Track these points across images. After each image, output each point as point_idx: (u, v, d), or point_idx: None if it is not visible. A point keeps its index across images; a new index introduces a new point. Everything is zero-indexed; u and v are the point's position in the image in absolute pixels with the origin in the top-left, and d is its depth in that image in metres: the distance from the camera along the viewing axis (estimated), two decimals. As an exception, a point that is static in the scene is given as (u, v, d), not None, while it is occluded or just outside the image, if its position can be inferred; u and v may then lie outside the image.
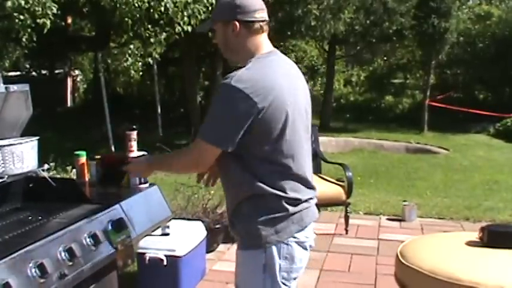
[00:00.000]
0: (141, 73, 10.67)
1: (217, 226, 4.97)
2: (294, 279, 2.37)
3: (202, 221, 4.62)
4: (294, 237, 2.29)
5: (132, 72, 9.70)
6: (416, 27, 15.94)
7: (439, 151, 13.47)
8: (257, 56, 2.28)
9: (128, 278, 3.82)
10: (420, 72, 19.76)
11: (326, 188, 5.64)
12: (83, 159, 3.28)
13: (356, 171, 7.34)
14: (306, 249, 2.38)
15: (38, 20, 6.64)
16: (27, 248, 2.15)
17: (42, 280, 2.10)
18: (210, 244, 4.75)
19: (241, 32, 2.28)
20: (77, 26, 18.68)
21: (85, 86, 23.77)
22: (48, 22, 6.68)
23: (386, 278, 4.26)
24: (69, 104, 22.12)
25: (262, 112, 2.13)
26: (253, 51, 2.30)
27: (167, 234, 4.00)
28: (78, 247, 2.33)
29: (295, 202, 2.28)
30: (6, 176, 2.87)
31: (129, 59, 9.23)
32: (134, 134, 3.32)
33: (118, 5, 7.59)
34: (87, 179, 3.29)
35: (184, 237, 4.11)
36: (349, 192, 5.66)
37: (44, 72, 20.86)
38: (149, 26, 8.30)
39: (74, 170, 3.52)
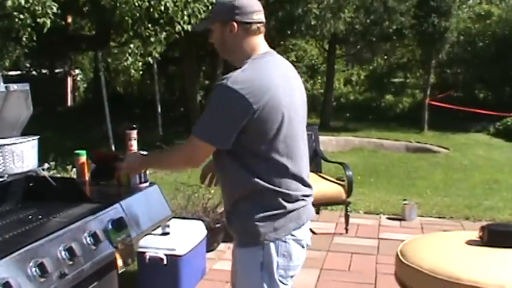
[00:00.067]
0: (141, 72, 10.66)
1: (218, 225, 4.97)
2: (291, 277, 2.37)
3: (203, 220, 4.62)
4: (292, 235, 2.31)
5: (132, 71, 9.70)
6: (416, 27, 15.93)
7: (439, 150, 13.47)
8: (253, 57, 2.31)
9: (128, 277, 3.81)
10: (420, 72, 19.75)
11: (326, 187, 5.65)
12: (83, 158, 3.28)
13: (356, 171, 7.34)
14: (303, 247, 2.39)
15: (38, 19, 6.64)
16: (28, 247, 2.15)
17: (42, 279, 2.10)
18: (211, 243, 4.75)
19: (239, 33, 2.30)
20: (77, 25, 18.67)
21: (85, 85, 23.75)
22: (48, 21, 6.67)
23: (387, 277, 4.27)
24: (69, 103, 22.10)
25: (257, 112, 2.16)
26: (250, 52, 2.32)
27: (167, 234, 4.00)
28: (78, 246, 2.33)
29: (292, 199, 2.30)
30: (6, 175, 2.87)
31: (129, 58, 9.22)
32: (134, 133, 3.32)
33: (118, 4, 7.59)
34: (87, 178, 3.29)
35: (185, 236, 4.11)
36: (349, 192, 5.66)
37: (44, 71, 20.85)
38: (149, 25, 8.30)
39: (74, 169, 3.52)
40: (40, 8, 6.56)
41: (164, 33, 8.54)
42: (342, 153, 12.28)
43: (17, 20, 6.60)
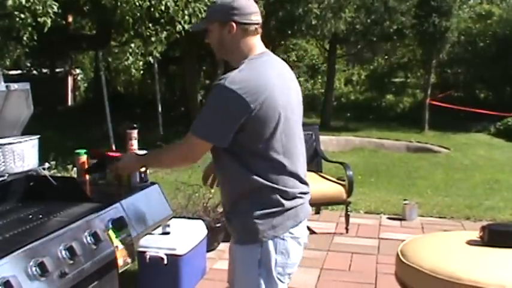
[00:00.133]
0: (141, 72, 10.66)
1: (218, 225, 4.97)
2: (289, 275, 2.40)
3: (203, 220, 4.62)
4: (290, 233, 2.35)
5: (133, 71, 9.70)
6: (417, 26, 15.94)
7: (439, 150, 13.47)
8: (250, 57, 2.34)
9: (129, 276, 3.81)
10: (421, 71, 19.75)
11: (327, 187, 5.65)
12: (84, 157, 3.27)
13: (357, 170, 7.34)
14: (300, 244, 2.43)
15: (39, 19, 6.64)
16: (28, 247, 2.15)
17: (42, 278, 2.10)
18: (211, 243, 4.75)
19: (237, 33, 2.34)
20: (77, 25, 18.66)
21: (86, 84, 23.75)
22: (48, 21, 6.67)
23: (387, 277, 4.26)
24: (69, 102, 22.10)
25: (254, 111, 2.20)
26: (247, 52, 2.36)
27: (168, 233, 4.00)
28: (78, 246, 2.33)
29: (290, 196, 2.34)
30: (6, 175, 2.87)
31: (130, 57, 9.22)
32: (135, 133, 3.32)
33: (119, 4, 7.59)
34: (87, 177, 3.28)
35: (185, 236, 4.11)
36: (349, 191, 5.66)
37: (44, 71, 20.84)
38: (150, 25, 8.30)
39: (75, 169, 3.51)
40: (41, 7, 6.56)
41: (165, 32, 8.54)
42: (343, 153, 12.29)
43: (17, 19, 6.60)
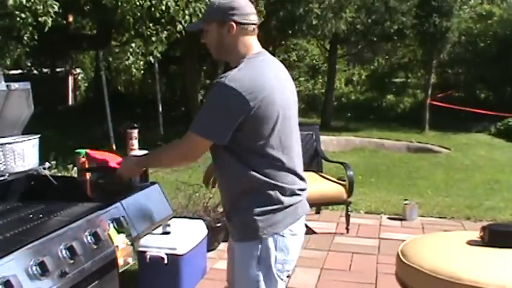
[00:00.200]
0: (142, 71, 10.65)
1: (218, 225, 4.97)
2: (288, 272, 2.42)
3: (203, 220, 4.62)
4: (289, 230, 2.38)
5: (134, 70, 9.69)
6: (417, 26, 15.93)
7: (440, 150, 13.47)
8: (248, 57, 2.37)
9: (129, 276, 3.81)
10: (421, 72, 19.74)
11: (327, 187, 5.65)
12: (84, 157, 3.27)
13: (357, 170, 7.33)
14: (299, 241, 2.46)
15: (40, 18, 6.64)
16: (28, 246, 2.15)
17: (43, 278, 2.10)
18: (211, 243, 4.75)
19: (237, 33, 2.36)
20: (78, 25, 18.66)
21: (86, 84, 23.75)
22: (49, 20, 6.68)
23: (387, 277, 4.26)
24: (70, 102, 22.11)
25: (253, 109, 2.23)
26: (245, 52, 2.38)
27: (168, 233, 4.00)
28: (79, 245, 2.33)
29: (289, 193, 2.37)
30: (7, 174, 2.87)
31: (131, 57, 9.22)
32: (135, 133, 3.32)
33: (119, 4, 7.59)
34: (88, 177, 3.28)
35: (185, 235, 4.11)
36: (350, 191, 5.66)
37: (45, 70, 20.84)
38: (150, 25, 8.30)
39: (75, 168, 3.51)
40: (41, 7, 6.56)
41: (165, 32, 8.54)
42: (343, 153, 12.29)
43: (18, 18, 6.60)
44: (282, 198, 2.34)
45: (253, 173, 2.30)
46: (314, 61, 22.80)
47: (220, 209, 5.16)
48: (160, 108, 14.40)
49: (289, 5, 12.95)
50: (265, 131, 2.29)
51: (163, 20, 8.32)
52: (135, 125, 3.39)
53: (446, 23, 15.26)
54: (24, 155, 2.96)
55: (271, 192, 2.32)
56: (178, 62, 17.43)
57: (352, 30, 16.58)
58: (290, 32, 14.19)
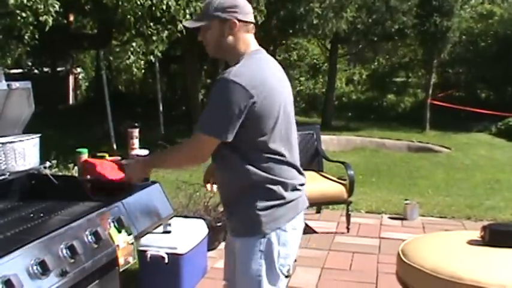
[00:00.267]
0: (143, 71, 10.65)
1: (219, 224, 4.97)
2: (288, 266, 2.43)
3: (204, 219, 4.62)
4: (291, 224, 2.40)
5: (134, 70, 9.68)
6: (418, 26, 15.94)
7: (441, 150, 13.47)
8: (247, 54, 2.39)
9: (130, 275, 3.82)
10: (422, 71, 19.75)
11: (328, 187, 5.65)
12: (85, 156, 3.27)
13: (358, 170, 7.33)
14: (298, 236, 2.48)
15: (40, 18, 6.64)
16: (29, 245, 2.15)
17: (43, 277, 2.10)
18: (212, 242, 4.75)
19: (238, 31, 2.38)
20: (79, 24, 18.67)
21: (87, 83, 23.76)
22: (50, 19, 6.67)
23: (388, 277, 4.27)
24: (71, 101, 22.12)
25: (257, 104, 2.24)
26: (244, 50, 2.40)
27: (169, 232, 4.00)
28: (79, 244, 2.33)
29: (290, 188, 2.39)
30: (8, 173, 2.87)
31: (131, 56, 9.21)
32: (136, 132, 3.32)
33: (120, 3, 7.59)
34: (88, 176, 3.28)
35: (186, 235, 4.11)
36: (350, 191, 5.66)
37: (46, 69, 20.85)
38: (151, 24, 8.30)
39: (76, 168, 3.51)
40: (42, 6, 6.56)
41: (166, 31, 8.53)
42: (344, 153, 12.29)
43: (19, 18, 6.60)
44: (284, 193, 2.36)
45: (256, 169, 2.31)
46: (315, 60, 22.81)
47: (221, 209, 5.16)
48: (161, 108, 14.40)
49: (290, 5, 12.94)
50: (268, 126, 2.30)
51: (164, 19, 8.31)
52: (136, 124, 3.39)
53: (447, 22, 15.26)
54: (25, 154, 2.96)
55: (274, 187, 2.34)
56: (179, 61, 17.43)
57: (353, 30, 16.59)
58: (291, 31, 14.19)
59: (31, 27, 6.75)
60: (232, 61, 2.38)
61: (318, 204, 6.02)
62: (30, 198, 2.94)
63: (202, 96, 15.83)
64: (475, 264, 2.95)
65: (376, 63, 24.23)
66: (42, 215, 2.66)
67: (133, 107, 17.69)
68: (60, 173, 5.15)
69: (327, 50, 19.40)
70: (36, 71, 20.25)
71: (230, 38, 2.37)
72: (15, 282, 1.95)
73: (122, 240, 2.63)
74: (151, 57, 9.31)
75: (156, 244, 3.90)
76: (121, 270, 2.64)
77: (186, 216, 4.65)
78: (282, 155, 2.37)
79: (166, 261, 3.87)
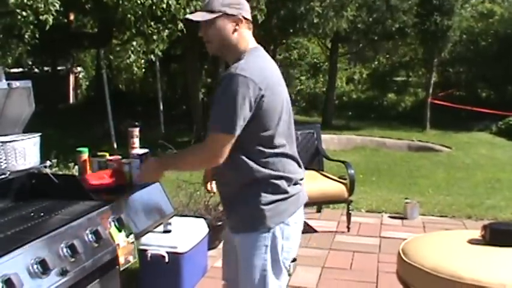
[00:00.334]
0: (143, 70, 10.66)
1: (219, 223, 4.96)
2: (289, 260, 2.45)
3: (204, 218, 4.62)
4: (293, 218, 2.42)
5: (135, 69, 9.70)
6: (418, 25, 15.95)
7: (441, 149, 13.48)
8: (247, 51, 2.39)
9: (130, 274, 3.82)
10: (423, 70, 19.76)
11: (328, 186, 5.64)
12: (85, 155, 3.27)
13: (358, 169, 7.33)
14: (299, 230, 2.50)
15: (41, 17, 6.64)
16: (29, 244, 2.15)
17: (44, 276, 2.10)
18: (212, 241, 4.75)
19: (242, 28, 2.38)
20: (79, 23, 18.68)
21: (87, 82, 23.79)
22: (50, 19, 6.68)
23: (388, 276, 4.26)
24: (71, 100, 22.15)
25: (265, 98, 2.26)
26: (244, 47, 2.40)
27: (169, 231, 4.00)
28: (80, 243, 2.33)
29: (293, 182, 2.41)
30: (8, 172, 2.87)
31: (132, 55, 9.22)
32: (136, 131, 3.31)
33: (121, 2, 7.60)
34: (88, 178, 3.27)
35: (186, 234, 4.11)
36: (351, 190, 5.65)
37: (46, 69, 20.88)
38: (152, 23, 8.30)
39: (76, 167, 3.51)
40: (42, 5, 6.56)
41: (166, 31, 8.54)
42: (344, 152, 12.29)
43: (19, 17, 6.60)
44: (287, 188, 2.38)
45: (260, 165, 2.33)
46: (315, 60, 22.82)
47: (221, 208, 5.16)
48: (161, 107, 14.41)
49: (290, 4, 12.94)
50: (274, 120, 2.32)
51: (164, 19, 8.32)
52: (136, 123, 3.38)
53: (447, 21, 15.27)
54: (25, 153, 2.96)
55: (278, 182, 2.36)
56: (180, 60, 17.44)
57: (353, 29, 16.60)
58: (291, 30, 14.19)
59: (31, 26, 6.76)
60: (232, 58, 2.38)
61: (319, 203, 6.02)
62: (30, 197, 2.93)
63: (203, 95, 15.84)
64: (476, 264, 2.95)
65: (376, 62, 24.24)
66: (42, 214, 2.66)
67: (134, 106, 17.71)
68: (60, 172, 5.15)
69: (327, 49, 19.40)
70: (36, 70, 20.27)
71: (235, 34, 2.37)
72: (15, 281, 1.95)
73: (122, 239, 2.63)
74: (152, 57, 9.32)
75: (157, 243, 3.90)
76: (121, 269, 2.64)
77: (186, 216, 4.66)
78: (286, 149, 2.39)
79: (166, 260, 3.87)
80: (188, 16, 2.43)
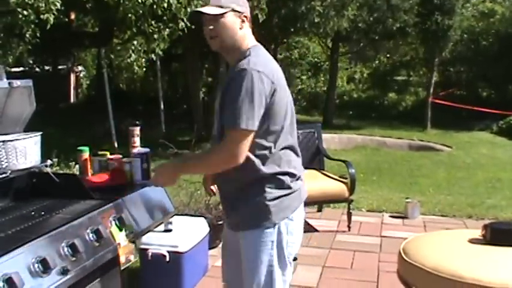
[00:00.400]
0: (144, 69, 10.66)
1: (220, 222, 4.95)
2: (293, 255, 2.47)
3: (205, 217, 4.62)
4: (295, 213, 2.44)
5: (136, 68, 9.70)
6: (419, 25, 15.94)
7: (442, 148, 13.48)
8: (251, 49, 2.39)
9: (131, 273, 3.82)
10: (423, 70, 19.76)
11: (329, 185, 5.64)
12: (86, 155, 3.27)
13: (359, 168, 7.34)
14: (301, 225, 2.52)
15: (42, 16, 6.64)
16: (30, 243, 2.15)
17: (45, 275, 2.10)
18: (213, 240, 4.74)
19: (246, 25, 2.40)
20: (80, 22, 18.70)
21: (88, 82, 23.80)
22: (51, 18, 6.67)
23: (389, 275, 4.26)
24: (72, 99, 22.15)
25: (276, 92, 2.29)
26: (247, 44, 2.41)
27: (170, 231, 4.00)
28: (81, 242, 2.33)
29: (296, 177, 2.43)
30: (9, 172, 2.87)
31: (133, 55, 9.22)
32: (137, 130, 3.31)
33: (121, 1, 7.59)
34: (90, 174, 3.28)
35: (187, 233, 4.11)
36: (352, 189, 5.65)
37: (47, 68, 20.88)
38: (152, 22, 8.30)
39: (77, 166, 3.51)
40: (43, 5, 6.56)
41: (167, 30, 8.53)
42: (345, 151, 12.29)
43: (20, 16, 6.60)
44: (291, 183, 2.40)
45: (267, 159, 2.34)
46: (316, 59, 22.82)
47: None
48: (162, 106, 14.41)
49: (291, 3, 12.93)
50: (282, 115, 2.34)
51: (165, 18, 8.31)
52: (137, 122, 3.39)
53: (448, 21, 15.26)
54: (26, 152, 2.96)
55: (282, 177, 2.37)
56: (180, 59, 17.43)
57: (354, 28, 16.58)
58: (292, 29, 14.17)
59: (32, 26, 6.75)
60: (235, 56, 2.38)
61: (319, 202, 6.02)
62: (31, 196, 2.93)
63: (204, 94, 15.85)
64: (477, 263, 2.95)
65: (377, 62, 24.22)
66: (43, 213, 2.66)
67: (135, 105, 17.71)
68: (61, 171, 5.16)
69: (328, 48, 19.39)
70: (37, 69, 20.27)
71: (241, 31, 2.37)
72: (16, 280, 1.95)
73: (123, 238, 2.63)
74: (153, 56, 9.30)
75: (157, 242, 3.90)
76: (122, 268, 2.64)
77: (187, 215, 4.66)
78: (291, 144, 2.41)
79: (167, 259, 3.87)
80: (199, 9, 2.38)
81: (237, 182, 2.40)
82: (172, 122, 14.44)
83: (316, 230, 5.72)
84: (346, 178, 5.73)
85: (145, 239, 3.65)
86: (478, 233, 3.26)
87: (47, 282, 2.11)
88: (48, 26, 6.73)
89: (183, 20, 8.06)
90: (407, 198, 6.64)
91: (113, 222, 2.62)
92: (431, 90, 16.61)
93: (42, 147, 3.15)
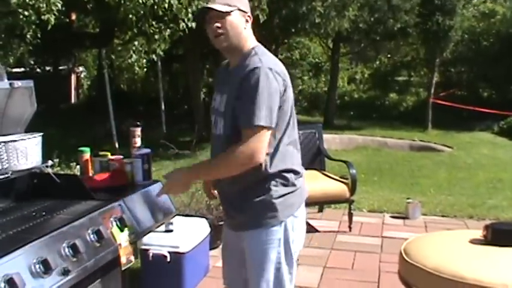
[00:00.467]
0: (145, 70, 10.66)
1: (221, 223, 4.96)
2: (297, 253, 2.49)
3: (206, 218, 4.62)
4: (299, 211, 2.46)
5: (137, 69, 9.70)
6: (420, 25, 15.93)
7: (443, 149, 13.47)
8: (254, 47, 2.40)
9: (132, 274, 3.82)
10: (424, 70, 19.75)
11: (330, 185, 5.65)
12: (87, 155, 3.27)
13: (360, 169, 7.33)
14: (304, 221, 2.55)
15: (43, 16, 6.64)
16: (31, 244, 2.15)
17: (46, 276, 2.10)
18: (214, 241, 4.75)
19: (249, 26, 2.42)
20: (81, 23, 18.69)
21: (89, 82, 23.80)
22: (52, 18, 6.68)
23: (390, 276, 4.26)
24: (73, 100, 22.14)
25: (286, 90, 2.32)
26: (249, 44, 2.42)
27: (171, 231, 4.00)
28: (82, 243, 2.33)
29: (299, 175, 2.45)
30: (10, 172, 2.87)
31: (133, 55, 9.22)
32: (138, 131, 3.31)
33: (122, 2, 7.59)
34: (90, 175, 3.28)
35: (188, 233, 4.11)
36: (352, 190, 5.66)
37: (48, 68, 20.87)
38: (153, 23, 8.29)
39: (78, 167, 3.51)
40: (44, 5, 6.56)
41: (168, 30, 8.53)
42: (346, 152, 12.28)
43: (21, 16, 6.60)
44: (295, 180, 2.41)
45: (273, 156, 2.35)
46: (317, 59, 22.81)
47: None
48: (163, 107, 14.41)
49: (292, 3, 12.92)
50: (288, 113, 2.36)
51: (166, 18, 8.31)
52: (138, 123, 3.39)
53: (449, 21, 15.25)
54: (27, 153, 2.96)
55: (287, 175, 2.39)
56: (181, 60, 17.42)
57: (355, 29, 16.57)
58: (293, 30, 14.17)
59: (33, 26, 6.76)
60: (238, 55, 2.38)
61: (320, 203, 6.02)
62: (32, 197, 2.94)
63: (204, 95, 15.84)
64: (478, 264, 2.95)
65: (378, 62, 24.20)
66: (44, 213, 2.66)
67: (136, 106, 17.72)
68: (62, 172, 5.16)
69: (329, 49, 19.38)
70: (38, 69, 20.26)
71: (245, 31, 2.39)
72: (17, 281, 1.95)
73: (124, 239, 2.63)
74: (154, 56, 9.30)
75: (158, 243, 3.90)
76: (123, 269, 2.64)
77: (188, 215, 4.66)
78: (295, 141, 2.44)
79: (168, 260, 3.88)
80: (209, 4, 2.35)
81: (243, 182, 2.36)
82: (173, 123, 14.44)
83: (317, 231, 5.72)
84: (347, 178, 5.73)
85: (146, 239, 3.65)
86: (479, 234, 3.27)
87: (48, 282, 2.11)
88: (49, 27, 6.74)
89: (184, 21, 8.06)
90: (408, 198, 6.64)
91: (114, 223, 2.62)
92: (432, 90, 16.60)
93: (43, 148, 3.15)
